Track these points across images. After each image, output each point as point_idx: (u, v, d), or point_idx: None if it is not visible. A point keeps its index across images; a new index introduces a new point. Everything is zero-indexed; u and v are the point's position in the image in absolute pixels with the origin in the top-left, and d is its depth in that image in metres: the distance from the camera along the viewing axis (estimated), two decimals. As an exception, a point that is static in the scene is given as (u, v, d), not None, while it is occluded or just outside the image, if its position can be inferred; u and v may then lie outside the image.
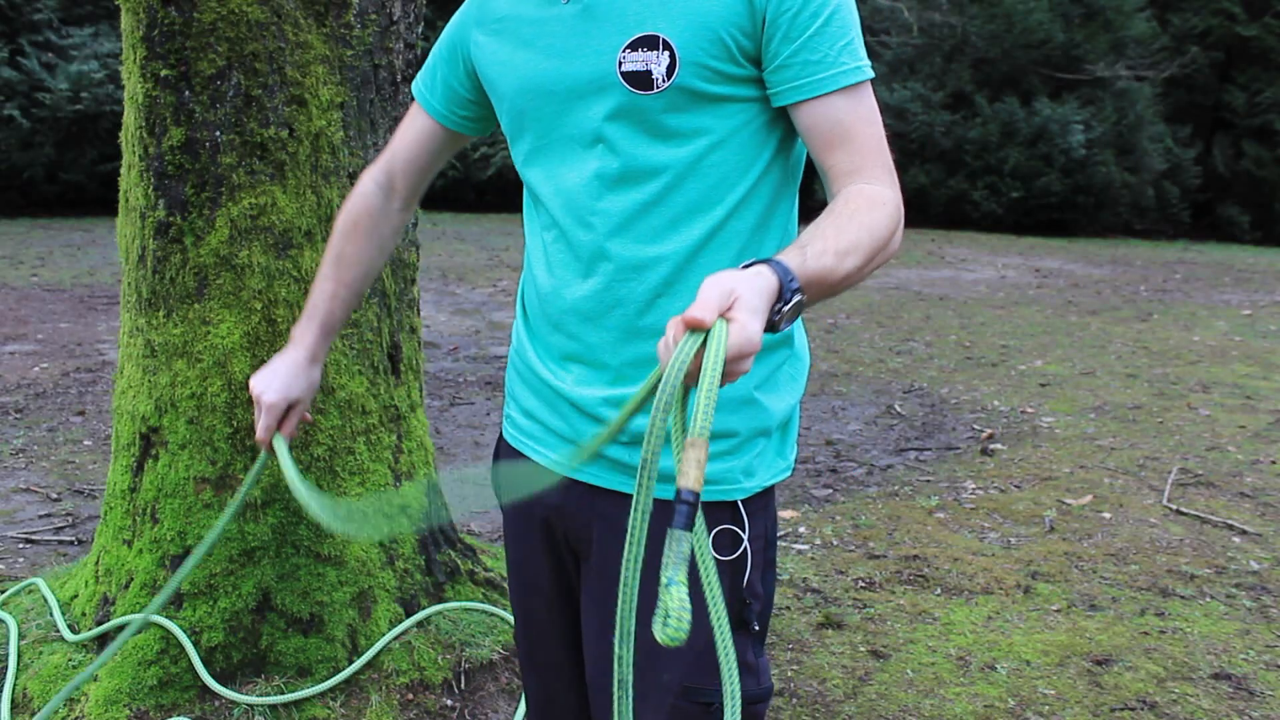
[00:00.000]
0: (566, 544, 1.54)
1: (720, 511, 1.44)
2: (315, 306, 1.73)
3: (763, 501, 1.48)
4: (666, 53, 1.34)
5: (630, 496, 1.37)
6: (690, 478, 1.04)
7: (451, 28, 1.58)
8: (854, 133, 1.36)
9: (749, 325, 1.09)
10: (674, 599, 1.03)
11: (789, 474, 1.52)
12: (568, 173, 1.43)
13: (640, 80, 1.36)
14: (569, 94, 1.41)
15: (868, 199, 1.33)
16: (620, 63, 1.36)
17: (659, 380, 1.10)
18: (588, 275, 1.43)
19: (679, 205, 1.40)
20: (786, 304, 1.17)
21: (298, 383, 1.72)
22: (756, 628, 1.47)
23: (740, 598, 1.44)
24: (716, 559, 1.42)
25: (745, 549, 1.44)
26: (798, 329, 1.52)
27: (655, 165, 1.39)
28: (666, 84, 1.35)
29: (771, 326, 1.17)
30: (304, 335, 1.74)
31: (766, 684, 1.48)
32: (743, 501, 1.45)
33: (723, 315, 1.10)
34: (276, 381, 1.71)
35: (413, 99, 1.68)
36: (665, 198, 1.39)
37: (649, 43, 1.35)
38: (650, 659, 1.40)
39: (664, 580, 1.04)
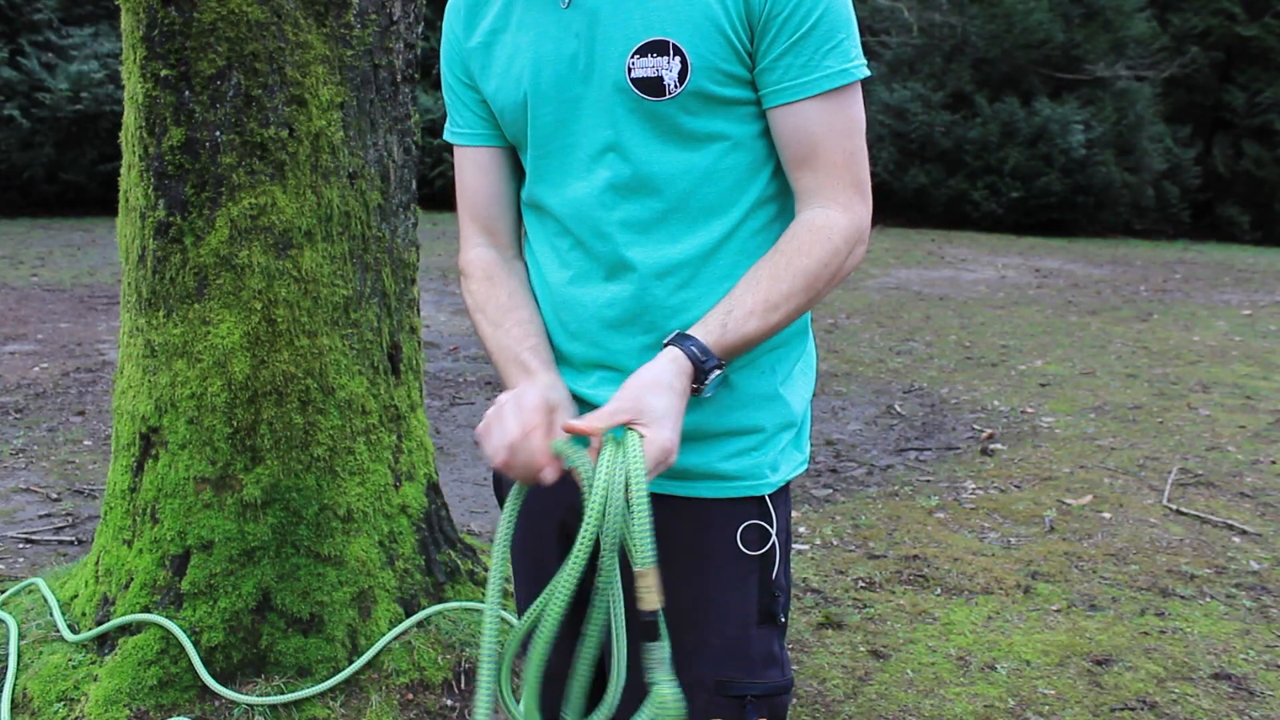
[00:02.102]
0: None
1: (748, 507, 1.45)
2: (526, 348, 1.45)
3: (785, 495, 1.50)
4: (678, 58, 1.33)
5: (656, 495, 1.42)
6: (648, 601, 1.24)
7: (447, 52, 1.53)
8: (821, 147, 1.36)
9: (660, 436, 1.25)
10: (668, 693, 1.26)
11: (805, 467, 1.54)
12: (576, 183, 1.41)
13: (651, 86, 1.34)
14: (575, 101, 1.38)
15: (813, 234, 1.36)
16: (629, 69, 1.34)
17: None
18: (610, 282, 1.42)
19: (696, 209, 1.39)
20: (705, 380, 1.30)
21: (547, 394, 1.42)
22: (782, 620, 1.49)
23: (769, 591, 1.46)
24: (745, 554, 1.44)
25: (773, 543, 1.45)
26: (806, 329, 1.53)
27: (671, 170, 1.37)
28: (679, 89, 1.33)
29: (693, 393, 1.31)
30: (540, 375, 1.43)
31: (789, 675, 1.49)
32: (769, 496, 1.46)
33: (631, 426, 1.25)
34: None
35: (451, 148, 1.57)
36: (683, 203, 1.38)
37: (658, 48, 1.33)
38: (682, 655, 1.42)
39: (654, 681, 1.26)
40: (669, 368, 1.29)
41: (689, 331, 1.33)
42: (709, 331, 1.32)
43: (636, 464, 1.23)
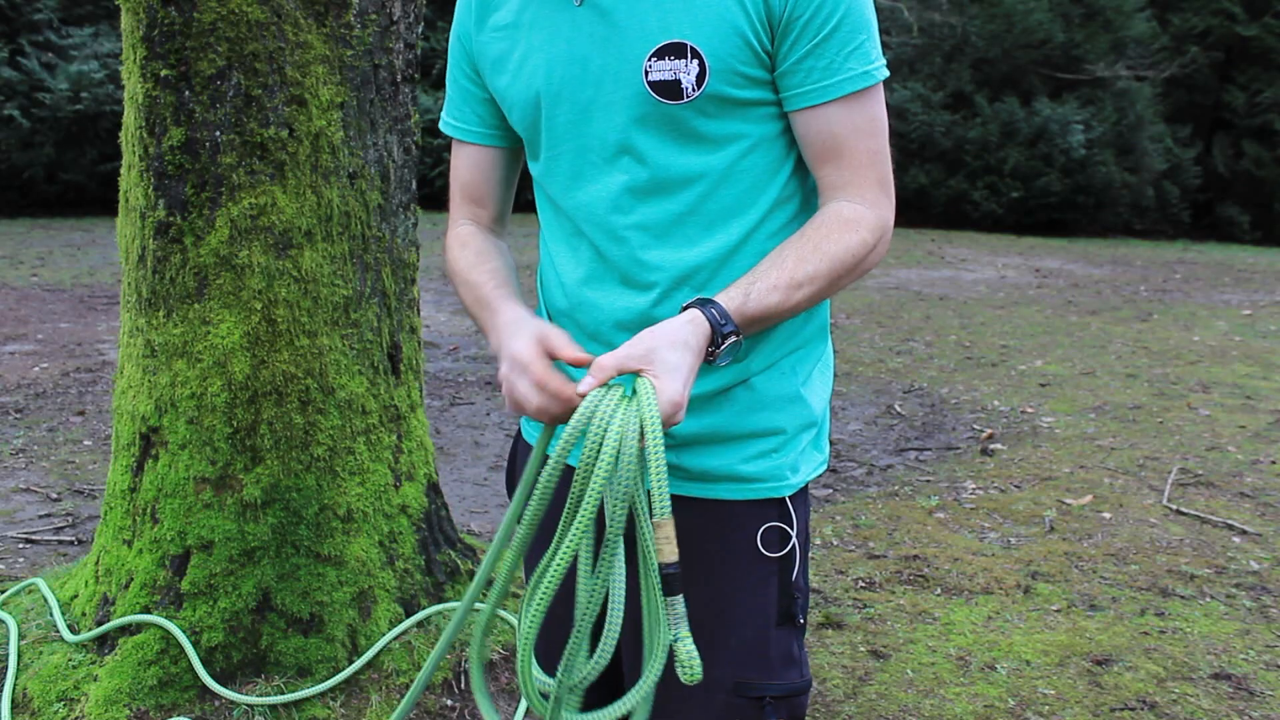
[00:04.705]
0: None
1: (769, 509, 1.44)
2: (490, 288, 1.46)
3: (804, 496, 1.49)
4: (695, 61, 1.31)
5: (677, 497, 1.40)
6: (667, 553, 1.21)
7: (455, 46, 1.52)
8: (846, 146, 1.36)
9: (672, 388, 1.20)
10: (684, 650, 1.22)
11: (825, 468, 1.54)
12: (591, 185, 1.40)
13: (669, 90, 1.32)
14: (589, 102, 1.37)
15: (841, 223, 1.35)
16: (647, 72, 1.32)
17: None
18: (627, 286, 1.41)
19: (714, 212, 1.38)
20: (720, 346, 1.27)
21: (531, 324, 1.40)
22: (801, 621, 1.48)
23: (789, 593, 1.45)
24: (766, 556, 1.43)
25: (793, 544, 1.44)
26: (825, 329, 1.53)
27: (688, 173, 1.36)
28: (697, 93, 1.32)
29: (707, 359, 1.27)
30: (503, 309, 1.43)
31: (808, 676, 1.49)
32: (790, 498, 1.45)
33: (642, 375, 1.21)
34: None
35: (449, 139, 1.59)
36: (700, 206, 1.37)
37: (676, 51, 1.31)
38: (701, 655, 1.41)
39: (673, 637, 1.22)
40: (686, 326, 1.25)
41: (711, 297, 1.30)
42: (731, 299, 1.29)
43: (652, 411, 1.18)
